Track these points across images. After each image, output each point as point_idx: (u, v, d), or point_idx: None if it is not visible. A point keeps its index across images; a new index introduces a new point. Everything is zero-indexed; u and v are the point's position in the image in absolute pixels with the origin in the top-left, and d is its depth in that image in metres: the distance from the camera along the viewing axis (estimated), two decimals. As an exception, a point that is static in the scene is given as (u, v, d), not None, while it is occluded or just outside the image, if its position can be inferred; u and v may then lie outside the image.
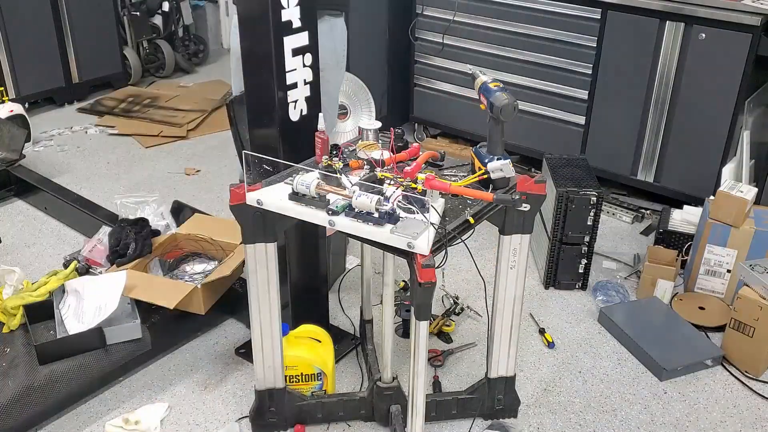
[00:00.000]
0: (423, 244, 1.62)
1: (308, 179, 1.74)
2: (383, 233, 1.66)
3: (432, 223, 1.64)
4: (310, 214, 1.76)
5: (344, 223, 1.71)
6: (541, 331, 2.68)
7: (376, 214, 1.66)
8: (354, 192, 1.69)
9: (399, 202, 1.69)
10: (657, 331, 2.64)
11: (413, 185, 1.74)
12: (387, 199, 1.67)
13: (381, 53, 4.05)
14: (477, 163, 1.89)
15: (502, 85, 1.85)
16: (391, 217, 1.66)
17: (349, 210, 1.71)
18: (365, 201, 1.66)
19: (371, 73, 3.78)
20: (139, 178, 3.88)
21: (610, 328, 2.69)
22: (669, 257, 2.84)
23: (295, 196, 1.77)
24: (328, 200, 1.75)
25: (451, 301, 2.78)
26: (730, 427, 2.29)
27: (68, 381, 2.23)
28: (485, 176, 1.85)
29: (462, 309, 2.76)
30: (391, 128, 1.99)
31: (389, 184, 1.78)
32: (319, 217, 1.74)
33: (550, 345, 2.62)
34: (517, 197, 1.75)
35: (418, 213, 1.68)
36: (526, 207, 1.82)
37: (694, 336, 2.62)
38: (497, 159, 1.85)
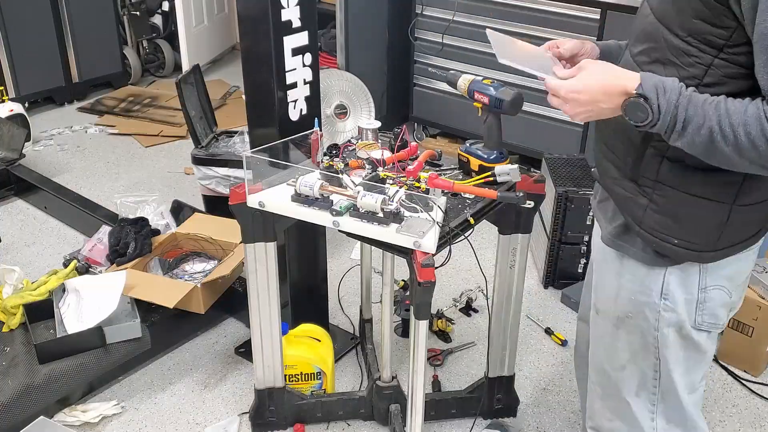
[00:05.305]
0: (429, 243, 1.63)
1: (311, 180, 1.74)
2: (389, 233, 1.66)
3: (438, 222, 1.65)
4: (313, 215, 1.75)
5: (349, 224, 1.71)
6: (548, 331, 2.68)
7: (380, 214, 1.66)
8: (358, 192, 1.69)
9: (402, 201, 1.70)
10: None
11: (416, 184, 1.75)
12: (392, 198, 1.67)
13: (381, 53, 4.05)
14: (474, 162, 1.88)
15: (495, 81, 1.86)
16: (395, 217, 1.67)
17: (353, 210, 1.71)
18: (370, 201, 1.66)
19: (371, 73, 3.78)
20: (138, 177, 3.88)
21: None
22: None
23: (298, 198, 1.77)
24: (331, 201, 1.75)
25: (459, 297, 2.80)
26: (729, 426, 2.29)
27: (68, 380, 2.23)
28: (491, 178, 1.83)
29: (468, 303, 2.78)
30: (404, 125, 2.00)
31: (391, 183, 1.78)
32: (323, 218, 1.74)
33: (564, 343, 2.62)
34: (521, 194, 1.75)
35: (422, 212, 1.68)
36: (530, 204, 1.82)
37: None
38: (498, 154, 1.85)
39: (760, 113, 1.13)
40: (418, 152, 1.95)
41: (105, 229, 2.80)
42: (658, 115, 1.18)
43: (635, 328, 1.48)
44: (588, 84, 1.27)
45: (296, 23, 2.06)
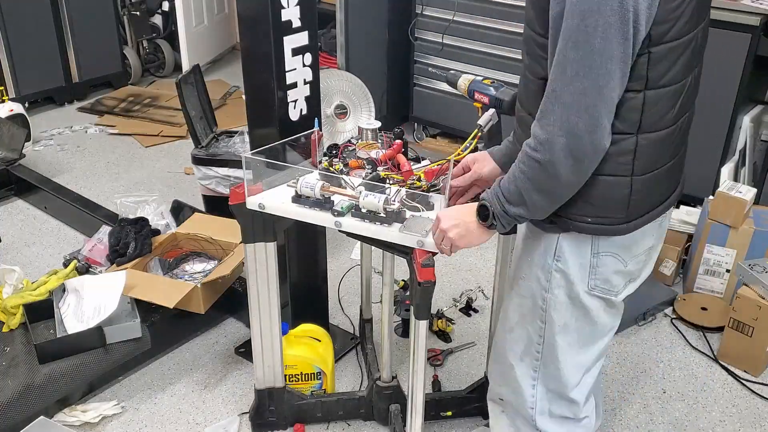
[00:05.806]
0: (433, 242, 1.63)
1: (312, 181, 1.74)
2: (392, 232, 1.66)
3: None
4: (315, 216, 1.75)
5: (351, 224, 1.71)
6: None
7: (383, 214, 1.66)
8: (360, 192, 1.69)
9: (403, 200, 1.70)
10: None
11: (417, 183, 1.75)
12: (393, 198, 1.67)
13: (381, 53, 4.05)
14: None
15: (495, 81, 1.86)
16: (397, 216, 1.67)
17: (355, 210, 1.71)
18: (372, 201, 1.66)
19: (371, 73, 3.78)
20: (139, 177, 3.88)
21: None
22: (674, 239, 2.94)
23: (299, 199, 1.77)
24: (332, 201, 1.75)
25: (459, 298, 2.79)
26: (729, 426, 2.29)
27: (68, 380, 2.23)
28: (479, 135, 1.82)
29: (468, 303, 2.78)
30: (397, 128, 1.99)
31: (392, 183, 1.78)
32: (325, 219, 1.74)
33: None
34: None
35: (423, 211, 1.68)
36: None
37: (650, 288, 2.68)
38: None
39: (525, 148, 1.34)
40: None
41: (105, 229, 2.80)
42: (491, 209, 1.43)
43: (526, 290, 1.55)
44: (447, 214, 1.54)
45: (296, 23, 2.06)
